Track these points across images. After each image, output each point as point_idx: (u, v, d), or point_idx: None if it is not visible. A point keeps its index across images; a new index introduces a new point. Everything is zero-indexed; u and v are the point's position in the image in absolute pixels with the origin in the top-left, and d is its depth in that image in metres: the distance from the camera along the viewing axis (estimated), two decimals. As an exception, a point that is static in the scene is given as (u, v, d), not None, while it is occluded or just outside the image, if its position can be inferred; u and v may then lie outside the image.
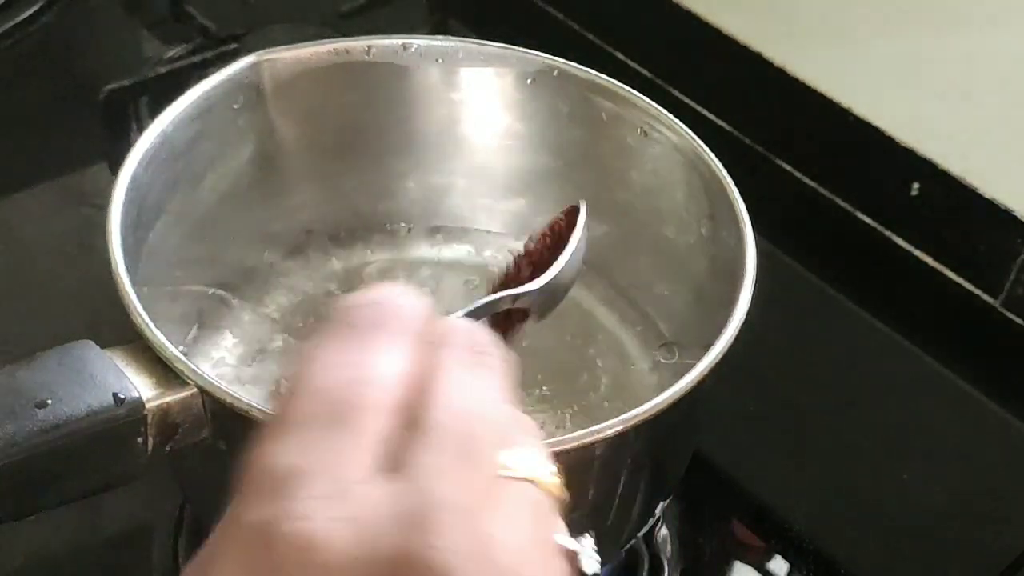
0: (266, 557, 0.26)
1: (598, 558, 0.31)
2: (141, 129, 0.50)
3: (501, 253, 0.59)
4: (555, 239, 0.49)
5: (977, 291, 0.67)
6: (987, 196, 0.66)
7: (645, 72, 0.76)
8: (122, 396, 0.40)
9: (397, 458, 0.28)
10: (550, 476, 0.30)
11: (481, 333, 0.31)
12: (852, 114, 0.70)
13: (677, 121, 0.53)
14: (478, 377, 0.30)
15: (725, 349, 0.44)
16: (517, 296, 0.46)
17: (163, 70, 0.73)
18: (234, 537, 0.27)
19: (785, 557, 0.57)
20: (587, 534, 0.31)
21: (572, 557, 0.30)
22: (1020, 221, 0.65)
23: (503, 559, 0.27)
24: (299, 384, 0.29)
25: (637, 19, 0.78)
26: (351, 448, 0.27)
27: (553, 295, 0.48)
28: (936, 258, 0.68)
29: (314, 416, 0.28)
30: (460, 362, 0.30)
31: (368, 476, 0.27)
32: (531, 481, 0.29)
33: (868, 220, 0.71)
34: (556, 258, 0.47)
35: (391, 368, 0.29)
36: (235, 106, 0.53)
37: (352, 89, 0.56)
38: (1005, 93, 0.66)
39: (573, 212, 0.49)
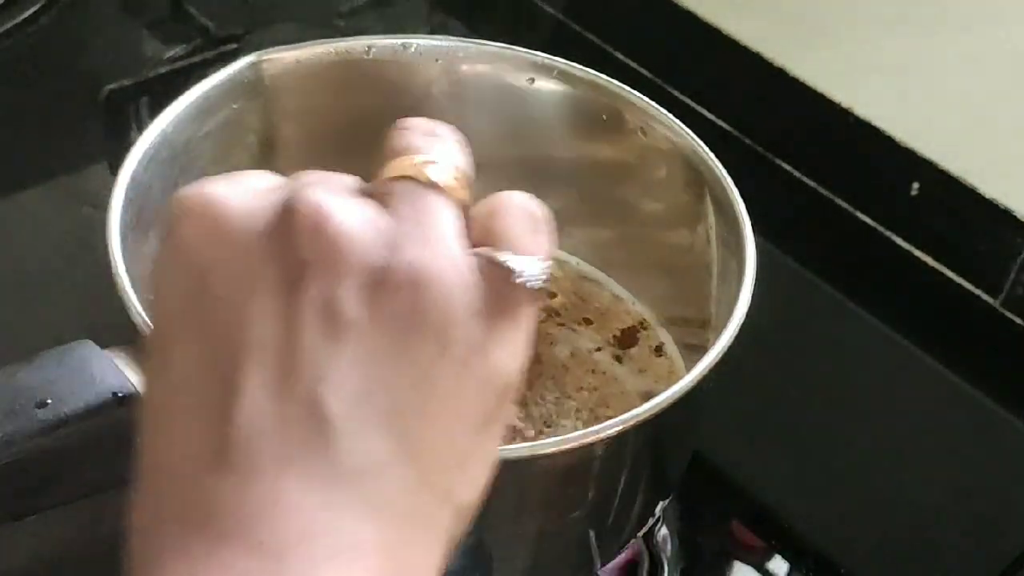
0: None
1: (540, 274, 0.30)
2: (141, 129, 0.50)
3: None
4: None
5: (977, 291, 0.67)
6: (987, 196, 0.66)
7: (645, 72, 0.76)
8: (122, 395, 0.40)
9: None
10: (453, 181, 0.31)
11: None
12: (852, 114, 0.69)
13: (677, 121, 0.53)
14: None
15: (725, 349, 0.44)
16: None
17: (163, 70, 0.73)
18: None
19: (785, 557, 0.57)
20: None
21: (501, 273, 0.30)
22: (1020, 221, 0.65)
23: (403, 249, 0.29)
24: None
25: (637, 19, 0.78)
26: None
27: None
28: (936, 258, 0.68)
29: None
30: None
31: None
32: (434, 186, 0.31)
33: (868, 220, 0.71)
34: None
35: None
36: (235, 106, 0.53)
37: (352, 89, 0.56)
38: (1006, 93, 0.66)
39: None
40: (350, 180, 0.31)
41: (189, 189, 0.30)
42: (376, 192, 0.31)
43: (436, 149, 0.32)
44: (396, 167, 0.31)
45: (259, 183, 0.31)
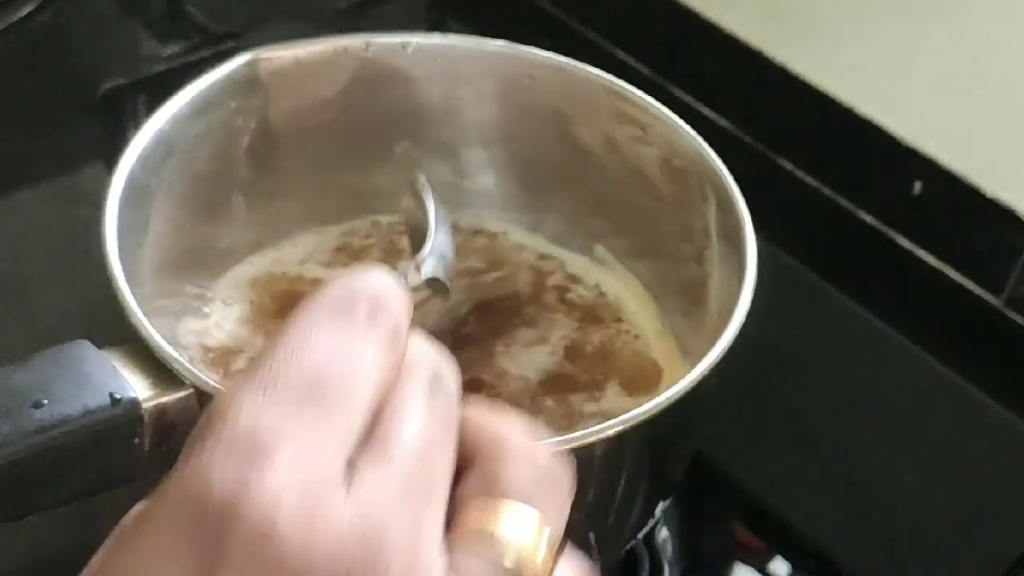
0: (217, 530, 0.25)
1: None
2: (138, 128, 0.50)
3: (500, 252, 0.59)
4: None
5: (979, 290, 0.67)
6: (990, 195, 0.65)
7: (645, 70, 0.76)
8: (118, 396, 0.40)
9: (356, 465, 0.26)
10: (540, 563, 0.27)
11: (444, 362, 0.29)
12: (854, 113, 0.69)
13: (677, 119, 0.53)
14: (434, 408, 0.28)
15: (725, 349, 0.44)
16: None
17: (161, 68, 0.73)
18: (183, 498, 0.25)
19: (786, 558, 0.57)
20: None
21: None
22: (1023, 220, 0.65)
23: None
24: (279, 352, 0.27)
25: (637, 17, 0.78)
26: (330, 433, 0.26)
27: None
28: (938, 257, 0.68)
29: (294, 387, 0.26)
30: (422, 387, 0.28)
31: (339, 473, 0.25)
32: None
33: (870, 219, 0.70)
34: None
35: (374, 364, 0.27)
36: (233, 104, 0.53)
37: (350, 87, 0.56)
38: (1008, 92, 0.66)
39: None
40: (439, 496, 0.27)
41: (255, 481, 0.25)
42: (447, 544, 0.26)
43: (547, 504, 0.27)
44: (479, 523, 0.27)
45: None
